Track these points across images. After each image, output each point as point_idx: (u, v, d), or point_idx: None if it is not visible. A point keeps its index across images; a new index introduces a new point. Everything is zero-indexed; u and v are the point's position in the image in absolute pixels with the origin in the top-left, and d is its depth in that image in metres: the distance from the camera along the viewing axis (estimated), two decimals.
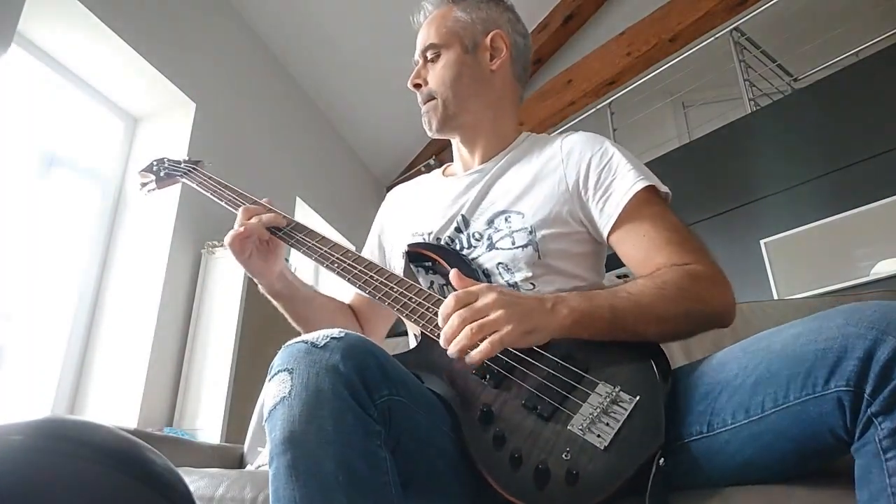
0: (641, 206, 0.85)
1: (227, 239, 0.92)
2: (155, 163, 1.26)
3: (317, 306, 1.03)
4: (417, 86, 1.02)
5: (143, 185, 1.25)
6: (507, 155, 1.00)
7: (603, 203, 0.87)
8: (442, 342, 0.66)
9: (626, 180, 0.86)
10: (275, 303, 1.01)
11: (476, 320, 0.65)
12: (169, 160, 1.25)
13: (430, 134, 1.04)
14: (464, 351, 0.65)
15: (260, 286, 0.99)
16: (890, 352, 0.50)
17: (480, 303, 0.66)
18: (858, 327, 0.53)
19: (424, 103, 1.01)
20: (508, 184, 0.96)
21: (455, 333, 0.65)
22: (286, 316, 1.02)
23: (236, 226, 0.94)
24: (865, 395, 0.51)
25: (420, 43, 1.03)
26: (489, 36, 1.01)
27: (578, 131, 0.99)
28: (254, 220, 0.93)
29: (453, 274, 0.72)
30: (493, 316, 0.65)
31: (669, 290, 0.74)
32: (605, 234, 0.88)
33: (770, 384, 0.58)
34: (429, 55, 1.02)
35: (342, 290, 1.09)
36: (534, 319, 0.67)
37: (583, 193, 0.90)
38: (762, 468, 0.61)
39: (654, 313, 0.72)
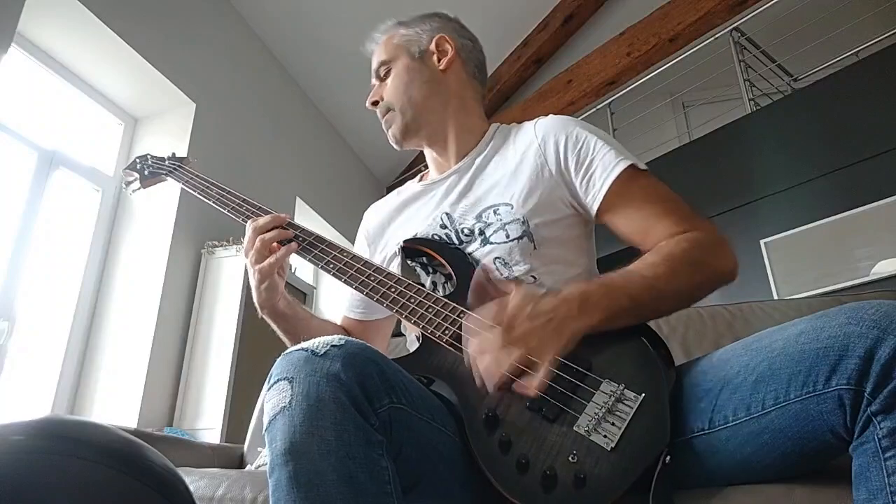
0: (627, 182, 0.85)
1: (258, 266, 0.91)
2: (138, 160, 1.23)
3: (314, 327, 1.01)
4: (375, 103, 1.04)
5: (128, 183, 1.23)
6: (484, 151, 1.00)
7: (586, 184, 0.88)
8: (485, 382, 0.68)
9: (607, 159, 0.86)
10: (274, 325, 0.98)
11: (518, 351, 0.66)
12: (152, 157, 1.22)
13: (396, 146, 1.05)
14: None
15: (260, 309, 0.96)
16: (891, 351, 0.50)
17: (519, 332, 0.67)
18: (860, 326, 0.53)
19: (383, 117, 1.03)
20: (491, 178, 0.95)
21: (498, 372, 0.66)
22: (284, 337, 0.99)
23: (248, 245, 0.92)
24: (866, 394, 0.51)
25: (373, 66, 1.06)
26: (434, 40, 1.04)
27: (550, 116, 0.99)
28: (268, 238, 0.91)
29: (476, 279, 0.75)
30: (535, 344, 0.67)
31: (678, 264, 0.75)
32: (593, 215, 0.88)
33: (771, 382, 0.58)
34: (381, 72, 1.04)
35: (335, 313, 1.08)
36: (569, 328, 0.68)
37: (565, 175, 0.90)
38: (763, 466, 0.61)
39: (668, 290, 0.74)
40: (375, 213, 1.12)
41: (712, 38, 3.81)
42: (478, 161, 0.99)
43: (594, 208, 0.87)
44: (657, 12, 3.83)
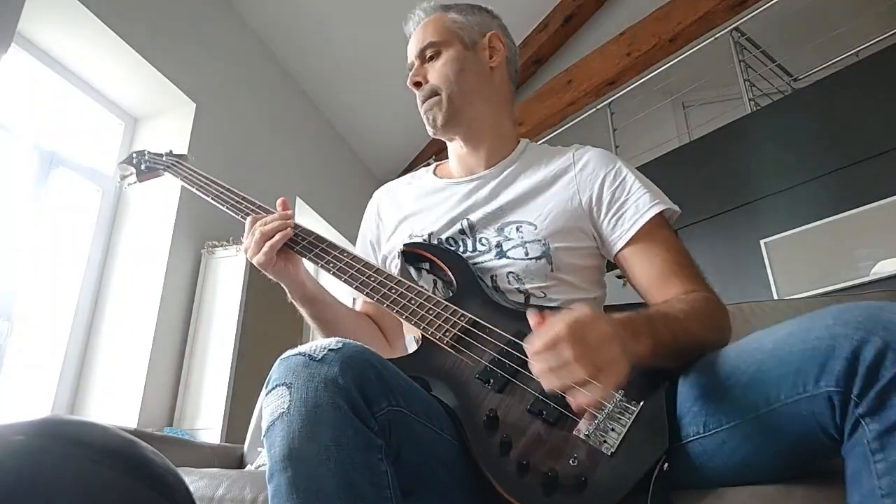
0: (654, 229, 0.86)
1: (254, 260, 0.90)
2: (135, 155, 1.23)
3: (342, 312, 1.01)
4: (417, 84, 1.00)
5: (123, 177, 1.23)
6: (514, 164, 0.99)
7: (615, 222, 0.88)
8: (547, 382, 0.59)
9: (642, 202, 0.87)
10: (303, 310, 0.97)
11: (592, 364, 0.57)
12: (150, 153, 1.22)
13: (432, 132, 1.02)
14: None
15: (290, 294, 0.95)
16: (875, 352, 0.50)
17: (596, 342, 0.58)
18: (846, 327, 0.53)
19: (425, 101, 0.99)
20: (518, 193, 0.95)
21: (569, 378, 0.57)
22: (312, 323, 0.98)
23: (247, 239, 0.92)
24: (853, 397, 0.51)
25: (416, 44, 1.02)
26: (486, 36, 1.03)
27: (590, 146, 0.99)
28: (268, 229, 0.90)
29: (534, 318, 0.62)
30: (608, 356, 0.58)
31: (704, 318, 0.74)
32: (613, 252, 0.89)
33: (762, 384, 0.58)
34: (428, 53, 1.00)
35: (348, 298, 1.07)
36: (629, 350, 0.61)
37: (595, 210, 0.90)
38: (758, 469, 0.61)
39: (696, 340, 0.71)
40: (390, 195, 1.11)
41: (712, 38, 3.80)
42: (506, 172, 0.98)
43: (616, 246, 0.88)
44: (657, 12, 3.83)
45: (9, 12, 2.01)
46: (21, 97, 2.38)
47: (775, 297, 3.04)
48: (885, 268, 2.78)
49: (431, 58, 1.00)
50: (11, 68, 2.26)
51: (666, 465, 0.60)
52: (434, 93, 0.99)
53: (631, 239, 0.86)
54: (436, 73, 0.99)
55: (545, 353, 0.58)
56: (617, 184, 0.90)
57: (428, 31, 1.01)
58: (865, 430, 0.51)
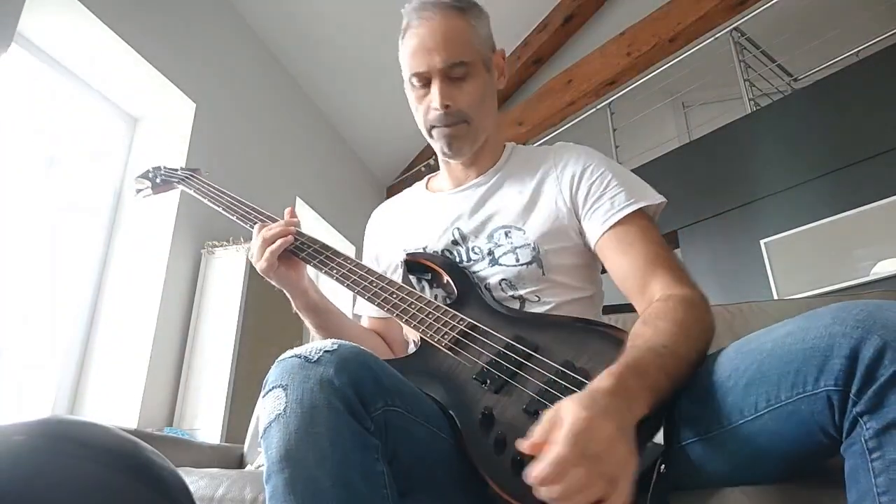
0: (629, 224, 0.85)
1: (257, 266, 0.92)
2: (151, 170, 1.27)
3: (347, 324, 1.02)
4: (447, 106, 0.89)
5: (139, 191, 1.27)
6: (501, 171, 0.99)
7: (591, 216, 0.88)
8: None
9: (618, 199, 0.86)
10: (307, 320, 0.97)
11: (606, 479, 0.51)
12: (166, 168, 1.26)
13: (449, 155, 0.97)
14: None
15: (294, 303, 0.96)
16: (874, 350, 0.50)
17: (601, 451, 0.51)
18: (844, 326, 0.53)
19: (450, 125, 0.91)
20: (506, 199, 0.95)
21: (584, 501, 0.50)
22: (317, 333, 0.98)
23: (255, 246, 0.93)
24: (851, 395, 0.51)
25: (440, 56, 0.88)
26: (496, 54, 0.98)
27: (572, 144, 0.99)
28: (269, 235, 0.92)
29: (526, 446, 0.54)
30: (617, 459, 0.52)
31: (693, 333, 0.70)
32: (591, 247, 0.89)
33: (762, 384, 0.58)
34: (456, 73, 0.89)
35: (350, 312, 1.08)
36: (628, 426, 0.56)
37: (574, 206, 0.90)
38: (759, 469, 0.61)
39: (689, 361, 0.67)
40: (386, 213, 1.13)
41: (712, 38, 3.81)
42: (494, 179, 0.98)
43: (592, 241, 0.88)
44: (657, 12, 3.83)
45: (9, 12, 2.01)
46: (21, 97, 2.38)
47: (775, 297, 3.05)
48: (884, 268, 2.79)
49: (460, 77, 0.90)
50: (11, 68, 2.26)
51: (663, 466, 0.60)
52: (463, 119, 0.91)
53: (605, 233, 0.85)
54: (467, 98, 0.90)
55: (554, 481, 0.50)
56: (594, 179, 0.90)
57: (455, 44, 0.89)
58: (863, 428, 0.51)
